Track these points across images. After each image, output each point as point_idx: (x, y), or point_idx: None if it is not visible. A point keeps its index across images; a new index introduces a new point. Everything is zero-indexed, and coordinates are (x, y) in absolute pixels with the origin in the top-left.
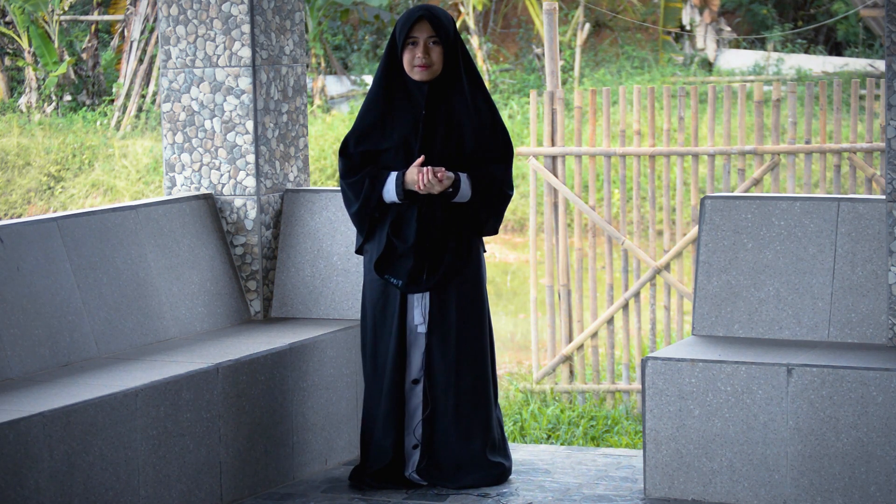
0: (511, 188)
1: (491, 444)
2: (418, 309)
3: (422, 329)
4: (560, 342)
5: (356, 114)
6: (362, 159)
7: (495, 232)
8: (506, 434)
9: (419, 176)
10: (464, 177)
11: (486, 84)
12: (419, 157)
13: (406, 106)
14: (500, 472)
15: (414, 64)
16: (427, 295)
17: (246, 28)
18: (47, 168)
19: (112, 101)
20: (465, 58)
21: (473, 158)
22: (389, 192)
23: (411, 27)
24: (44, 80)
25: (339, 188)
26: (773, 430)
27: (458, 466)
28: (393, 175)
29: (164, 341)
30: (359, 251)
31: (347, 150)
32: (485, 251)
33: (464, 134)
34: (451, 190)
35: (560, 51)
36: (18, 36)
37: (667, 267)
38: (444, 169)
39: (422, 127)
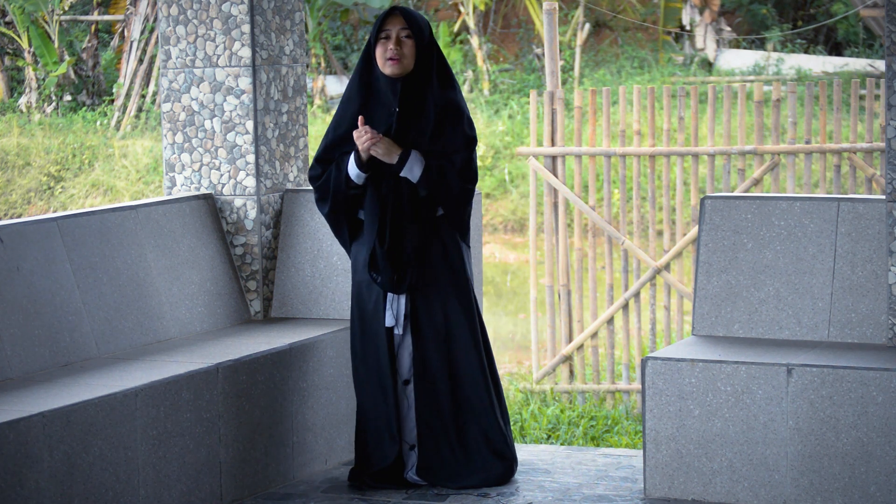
0: (472, 180)
1: (492, 445)
2: (389, 311)
3: (398, 330)
4: (560, 342)
5: None
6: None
7: (460, 228)
8: (511, 433)
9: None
10: (415, 154)
11: (485, 84)
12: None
13: (380, 104)
14: (500, 473)
15: (386, 57)
16: (403, 297)
17: (246, 28)
18: (47, 168)
19: (112, 101)
20: (440, 60)
21: (438, 150)
22: (352, 167)
23: (383, 21)
24: (44, 80)
25: (314, 196)
26: (773, 430)
27: (457, 467)
28: (352, 153)
29: (164, 341)
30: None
31: (323, 157)
32: (468, 247)
33: (435, 130)
34: (396, 162)
35: (560, 51)
36: (18, 36)
37: (667, 267)
38: (368, 127)
39: (394, 123)
